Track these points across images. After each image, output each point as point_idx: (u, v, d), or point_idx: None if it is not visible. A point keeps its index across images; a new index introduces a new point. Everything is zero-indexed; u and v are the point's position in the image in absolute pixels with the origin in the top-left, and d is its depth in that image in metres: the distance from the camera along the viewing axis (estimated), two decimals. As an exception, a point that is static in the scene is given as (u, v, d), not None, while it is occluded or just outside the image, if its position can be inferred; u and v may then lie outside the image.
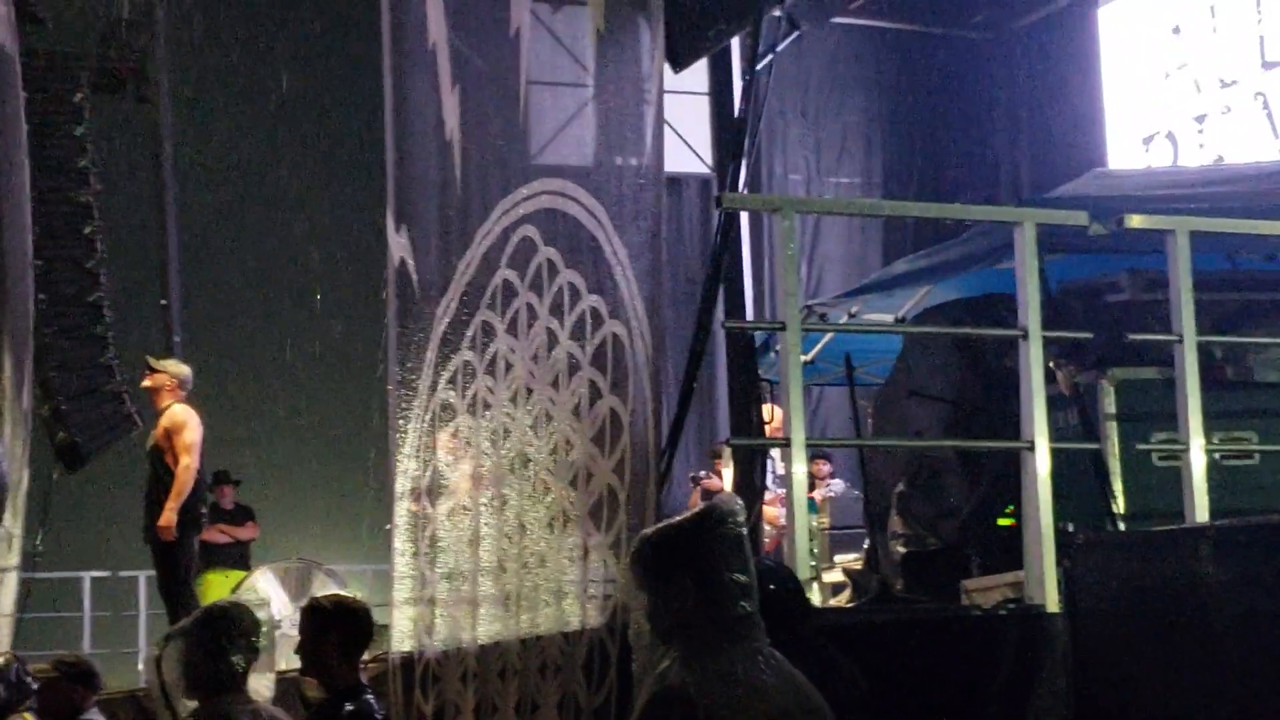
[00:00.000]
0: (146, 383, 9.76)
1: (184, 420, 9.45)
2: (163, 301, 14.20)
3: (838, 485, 10.78)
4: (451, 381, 7.10)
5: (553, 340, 6.17)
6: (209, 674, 4.61)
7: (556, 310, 6.16)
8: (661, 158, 5.71)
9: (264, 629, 4.95)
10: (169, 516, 9.22)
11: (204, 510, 10.03)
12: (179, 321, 14.19)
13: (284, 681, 7.55)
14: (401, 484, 7.64)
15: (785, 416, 5.52)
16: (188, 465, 9.32)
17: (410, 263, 7.62)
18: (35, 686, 6.33)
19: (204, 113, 16.27)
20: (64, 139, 13.26)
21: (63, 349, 13.12)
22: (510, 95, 6.71)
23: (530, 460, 6.28)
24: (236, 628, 4.67)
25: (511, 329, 6.56)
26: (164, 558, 9.47)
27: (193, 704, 4.68)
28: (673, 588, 3.15)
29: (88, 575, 14.64)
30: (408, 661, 7.19)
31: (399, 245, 7.73)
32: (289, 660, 6.22)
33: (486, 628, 6.47)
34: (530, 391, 6.34)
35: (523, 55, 6.59)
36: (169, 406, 9.53)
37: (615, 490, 5.58)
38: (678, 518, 3.32)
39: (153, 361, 9.83)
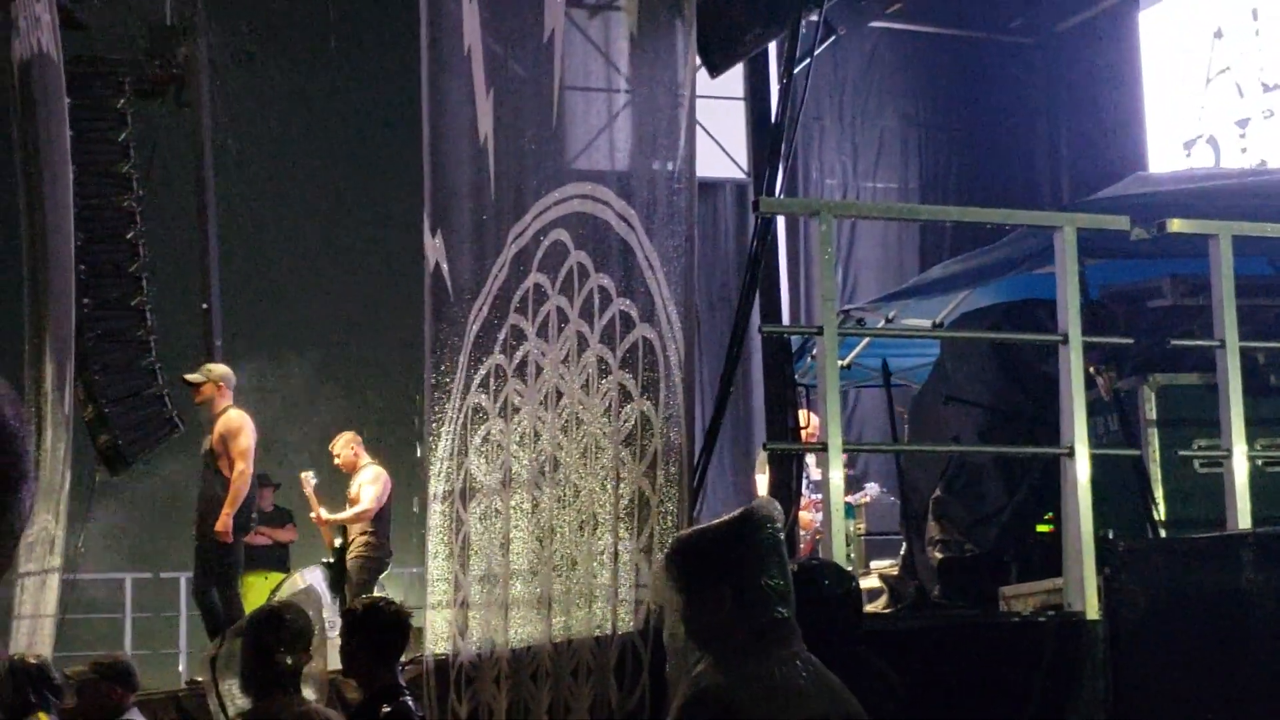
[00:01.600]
0: (199, 399, 9.83)
1: (239, 425, 9.54)
2: (204, 305, 14.28)
3: (872, 489, 10.75)
4: (483, 385, 7.13)
5: (583, 343, 6.18)
6: (261, 675, 4.63)
7: (587, 313, 6.17)
8: (694, 161, 5.72)
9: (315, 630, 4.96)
10: (225, 521, 9.32)
11: (254, 515, 10.12)
12: (220, 325, 14.27)
13: (331, 683, 7.61)
14: (435, 486, 7.67)
15: (821, 421, 5.51)
16: (243, 471, 9.43)
17: (445, 266, 7.66)
18: (71, 686, 6.35)
19: (245, 118, 16.35)
20: (107, 144, 13.36)
21: (106, 353, 13.22)
22: (544, 99, 6.72)
23: (560, 463, 6.30)
24: (288, 629, 4.69)
25: (542, 332, 6.57)
26: (213, 560, 9.54)
27: (245, 703, 4.69)
28: (709, 592, 3.14)
29: (129, 576, 14.74)
30: (442, 664, 7.21)
31: (434, 249, 7.76)
32: (332, 661, 6.26)
33: (519, 630, 6.49)
34: (560, 394, 6.35)
35: (556, 59, 6.61)
36: (224, 411, 9.60)
37: (646, 494, 5.58)
38: (714, 521, 3.31)
39: (193, 376, 9.88)
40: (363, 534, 10.84)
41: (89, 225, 12.90)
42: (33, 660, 6.61)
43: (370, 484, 10.94)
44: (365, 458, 11.14)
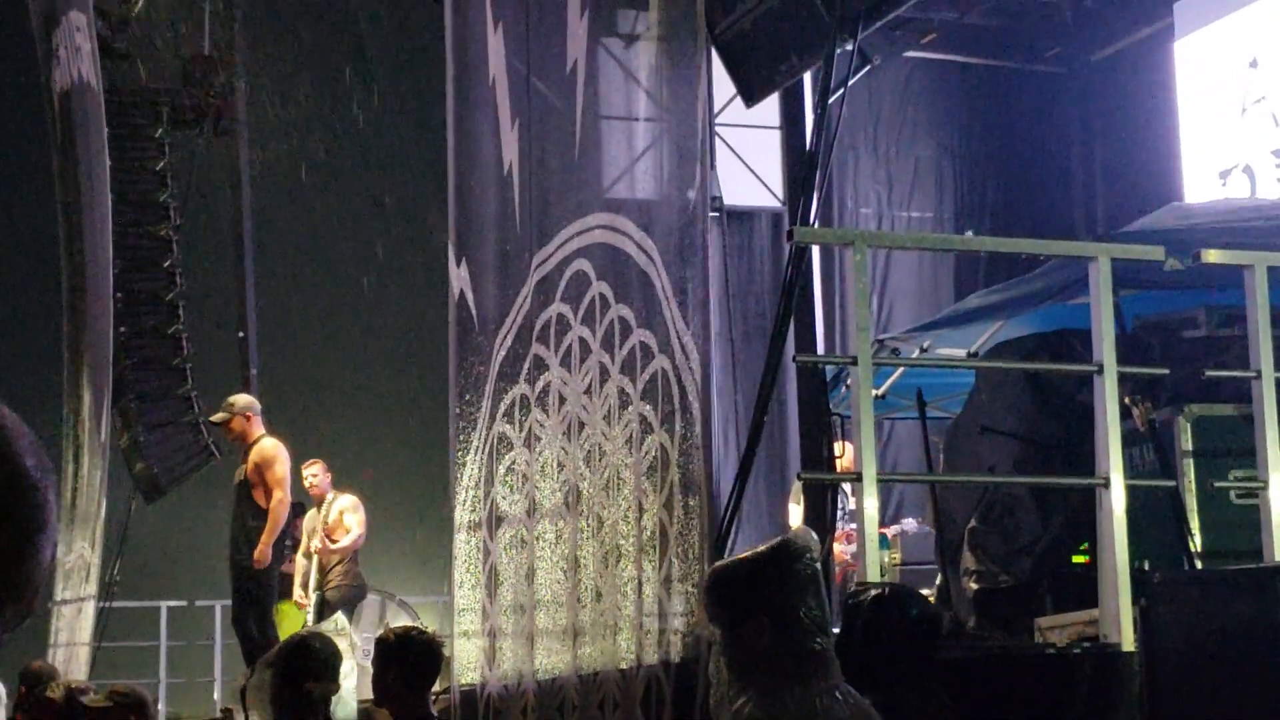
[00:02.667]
0: (230, 436, 9.87)
1: (274, 455, 9.56)
2: (240, 334, 14.37)
3: (909, 524, 10.71)
4: (508, 415, 7.15)
5: (604, 374, 6.19)
6: (291, 704, 4.64)
7: (608, 344, 6.19)
8: (708, 191, 5.74)
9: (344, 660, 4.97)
10: (264, 550, 9.34)
11: (289, 543, 10.14)
12: (256, 354, 14.35)
13: (363, 712, 7.62)
14: (460, 515, 7.69)
15: (856, 451, 5.50)
16: (281, 499, 9.45)
17: (470, 296, 7.70)
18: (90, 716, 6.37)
19: (282, 146, 16.48)
20: (145, 173, 13.49)
21: (142, 380, 13.31)
22: (567, 129, 6.77)
23: (583, 494, 6.30)
24: (317, 659, 4.69)
25: (564, 362, 6.59)
26: (248, 589, 9.56)
27: None
28: (747, 623, 3.14)
29: (164, 604, 14.79)
30: (470, 695, 7.21)
31: (459, 279, 7.81)
32: (366, 691, 6.27)
33: (544, 661, 6.49)
34: (582, 425, 6.37)
35: (579, 90, 6.65)
36: (257, 440, 9.63)
37: (665, 526, 5.59)
38: (750, 552, 3.30)
39: (217, 416, 9.92)
40: (340, 563, 10.78)
41: (126, 253, 13.02)
42: (80, 686, 6.65)
43: (352, 512, 10.90)
44: (332, 489, 11.11)
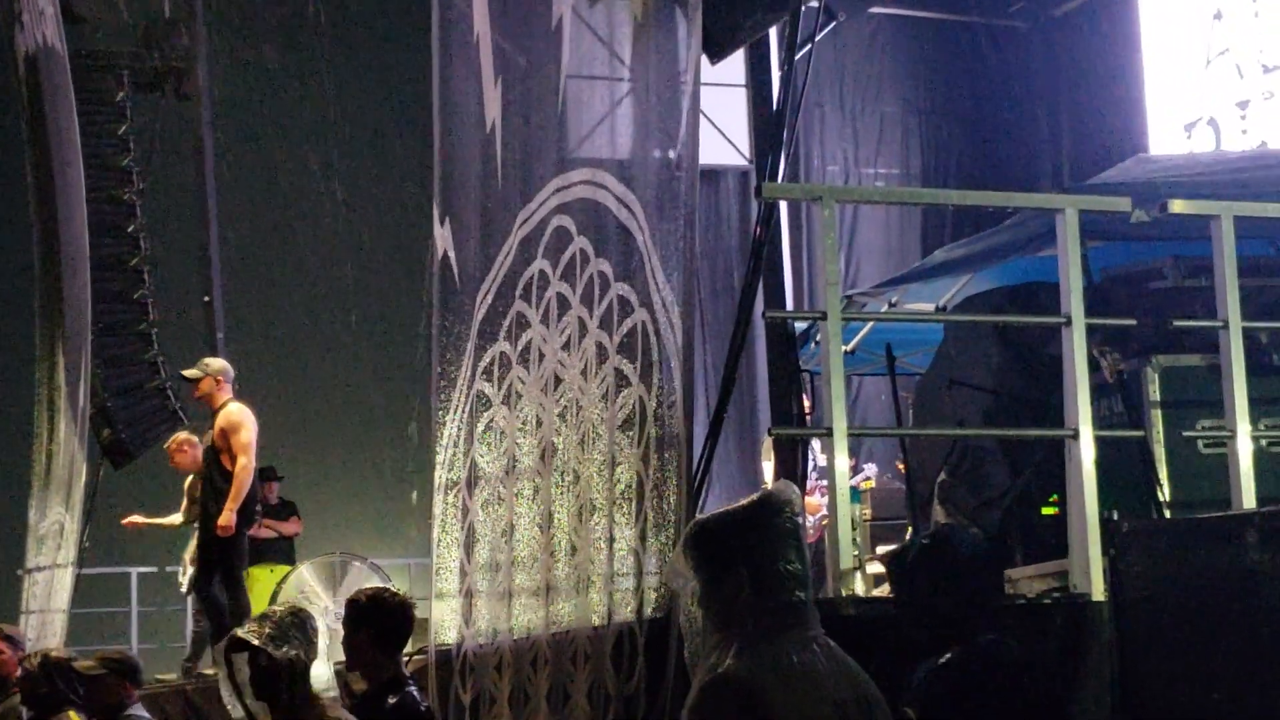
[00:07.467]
0: (197, 394, 9.79)
1: (240, 420, 9.50)
2: (205, 298, 14.28)
3: (870, 468, 10.79)
4: (487, 372, 7.14)
5: (583, 329, 6.19)
6: (276, 669, 4.62)
7: (587, 300, 6.18)
8: (697, 149, 5.71)
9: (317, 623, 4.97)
10: (228, 516, 9.29)
11: (258, 508, 10.08)
12: (222, 318, 14.27)
13: (335, 675, 7.62)
14: (440, 475, 7.67)
15: (826, 405, 5.51)
16: (245, 465, 9.39)
17: (452, 255, 7.67)
18: (81, 683, 6.37)
19: (244, 109, 16.35)
20: (107, 138, 13.35)
21: (108, 346, 13.21)
22: (549, 87, 6.73)
23: (559, 449, 6.30)
24: (308, 627, 4.70)
25: (545, 319, 6.59)
26: (216, 554, 9.52)
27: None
28: (728, 576, 3.16)
29: (134, 571, 14.75)
30: (446, 654, 7.22)
31: (442, 238, 7.77)
32: (338, 654, 6.27)
33: (520, 618, 6.50)
34: (559, 381, 6.36)
35: (563, 48, 6.61)
36: (224, 405, 9.58)
37: (642, 479, 5.59)
38: (732, 506, 3.31)
39: (190, 372, 9.84)
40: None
41: (90, 219, 12.89)
42: (63, 655, 6.63)
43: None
44: None
